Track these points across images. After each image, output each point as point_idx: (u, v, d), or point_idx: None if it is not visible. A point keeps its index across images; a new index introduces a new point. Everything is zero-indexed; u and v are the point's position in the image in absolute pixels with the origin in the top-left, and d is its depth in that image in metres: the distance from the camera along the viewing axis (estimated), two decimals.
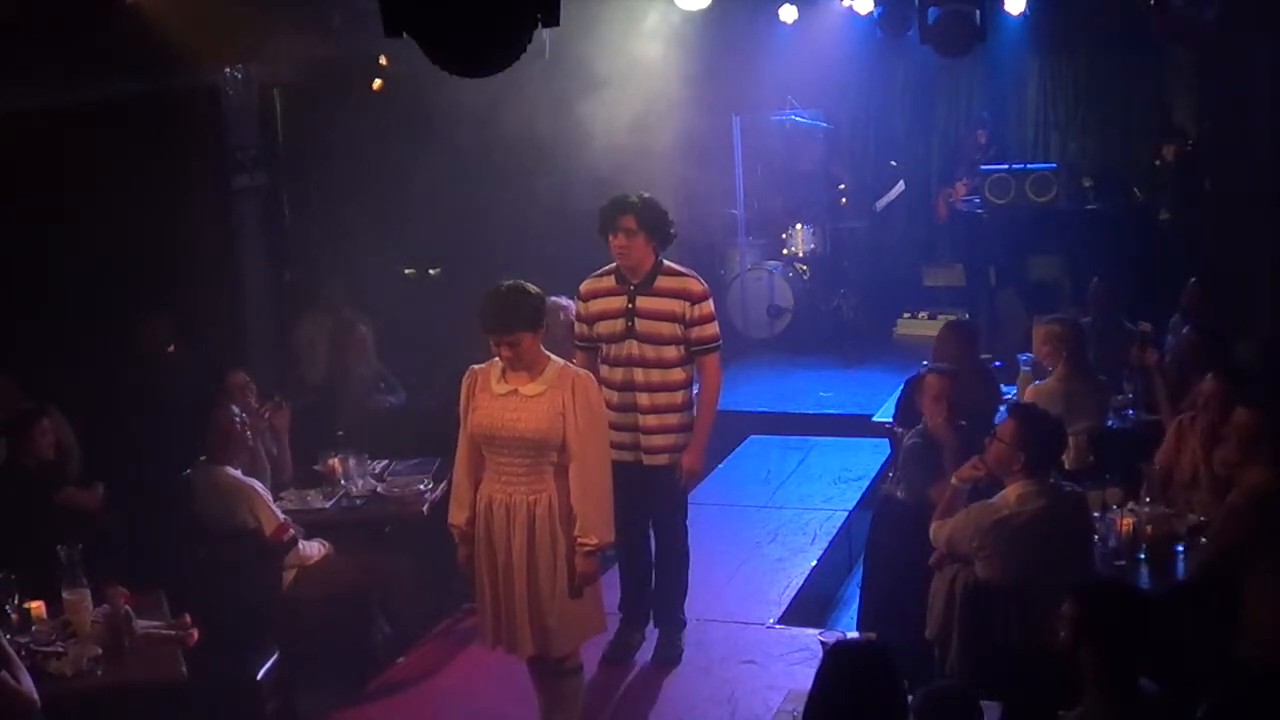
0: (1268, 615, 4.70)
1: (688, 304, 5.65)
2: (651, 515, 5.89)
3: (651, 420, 5.68)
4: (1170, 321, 7.87)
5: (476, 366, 4.90)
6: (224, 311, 8.18)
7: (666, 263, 5.73)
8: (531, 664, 4.99)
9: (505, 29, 3.32)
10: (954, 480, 5.24)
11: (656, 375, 5.67)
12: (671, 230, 5.70)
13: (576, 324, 5.82)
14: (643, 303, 5.67)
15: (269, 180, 8.57)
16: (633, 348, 5.68)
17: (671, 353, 5.68)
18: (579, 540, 4.73)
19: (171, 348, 7.62)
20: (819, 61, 11.40)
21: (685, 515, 6.01)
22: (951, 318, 6.91)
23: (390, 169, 8.74)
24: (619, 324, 5.69)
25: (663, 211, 5.67)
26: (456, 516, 4.91)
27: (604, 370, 5.62)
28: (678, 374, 5.70)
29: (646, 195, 5.68)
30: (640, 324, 5.66)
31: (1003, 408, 6.34)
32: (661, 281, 5.68)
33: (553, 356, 4.83)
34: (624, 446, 5.50)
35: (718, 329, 5.76)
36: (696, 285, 5.70)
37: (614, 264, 5.73)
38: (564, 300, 6.39)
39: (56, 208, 7.07)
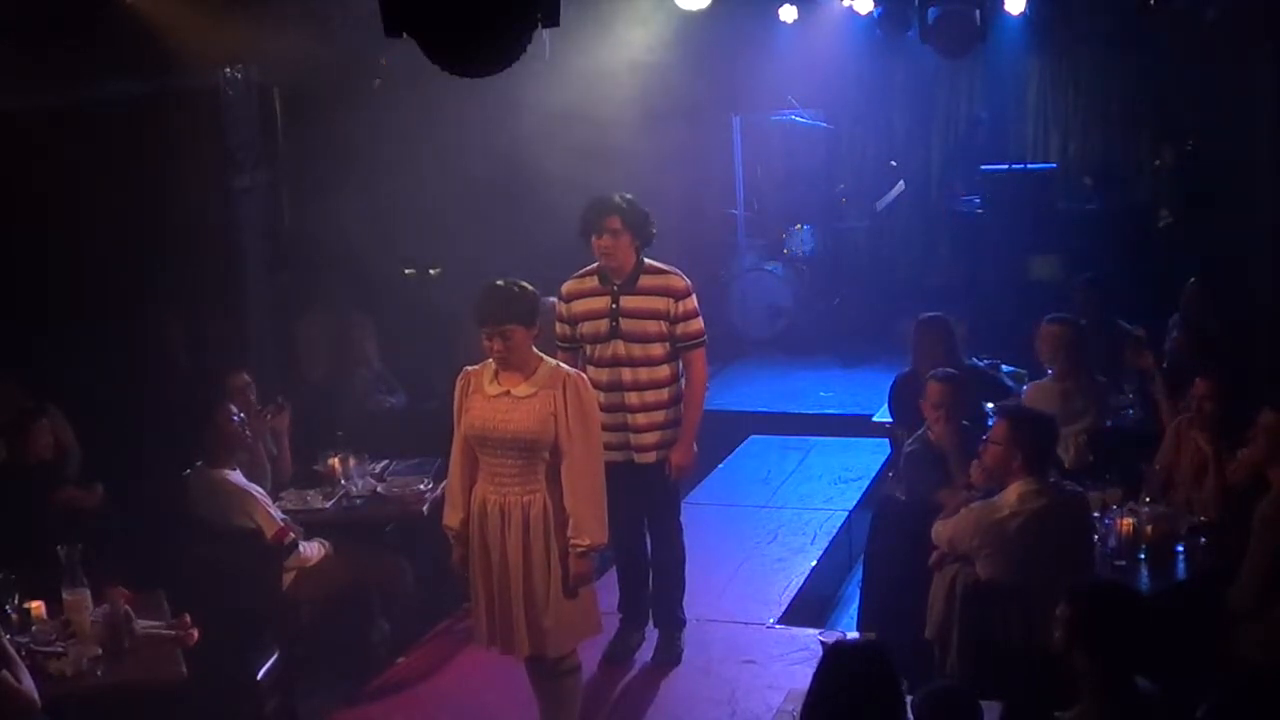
0: (1268, 615, 4.71)
1: (672, 300, 5.66)
2: (645, 514, 5.90)
3: (641, 419, 5.69)
4: (1171, 321, 7.89)
5: (470, 368, 4.91)
6: (224, 311, 8.17)
7: (648, 261, 5.74)
8: (529, 664, 5.00)
9: (505, 30, 3.32)
10: (970, 484, 5.24)
11: (644, 374, 5.68)
12: (653, 230, 5.71)
13: (558, 325, 5.81)
14: (627, 302, 5.67)
15: (269, 180, 8.57)
16: (619, 348, 5.68)
17: (658, 350, 5.69)
18: (572, 541, 4.73)
19: (179, 349, 7.65)
20: (819, 61, 11.39)
21: (679, 513, 6.03)
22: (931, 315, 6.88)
23: (390, 169, 8.73)
24: (603, 324, 5.69)
25: (645, 212, 5.69)
26: (450, 518, 4.92)
27: (590, 371, 5.61)
28: (664, 371, 5.71)
29: (629, 196, 5.69)
30: (625, 323, 5.67)
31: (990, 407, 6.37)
32: (645, 280, 5.68)
33: (545, 357, 4.84)
34: (614, 446, 5.47)
35: (702, 324, 5.76)
36: (679, 281, 5.71)
37: (596, 264, 5.73)
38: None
39: (56, 207, 7.07)
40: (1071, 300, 7.87)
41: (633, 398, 5.68)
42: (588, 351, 5.77)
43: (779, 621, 6.34)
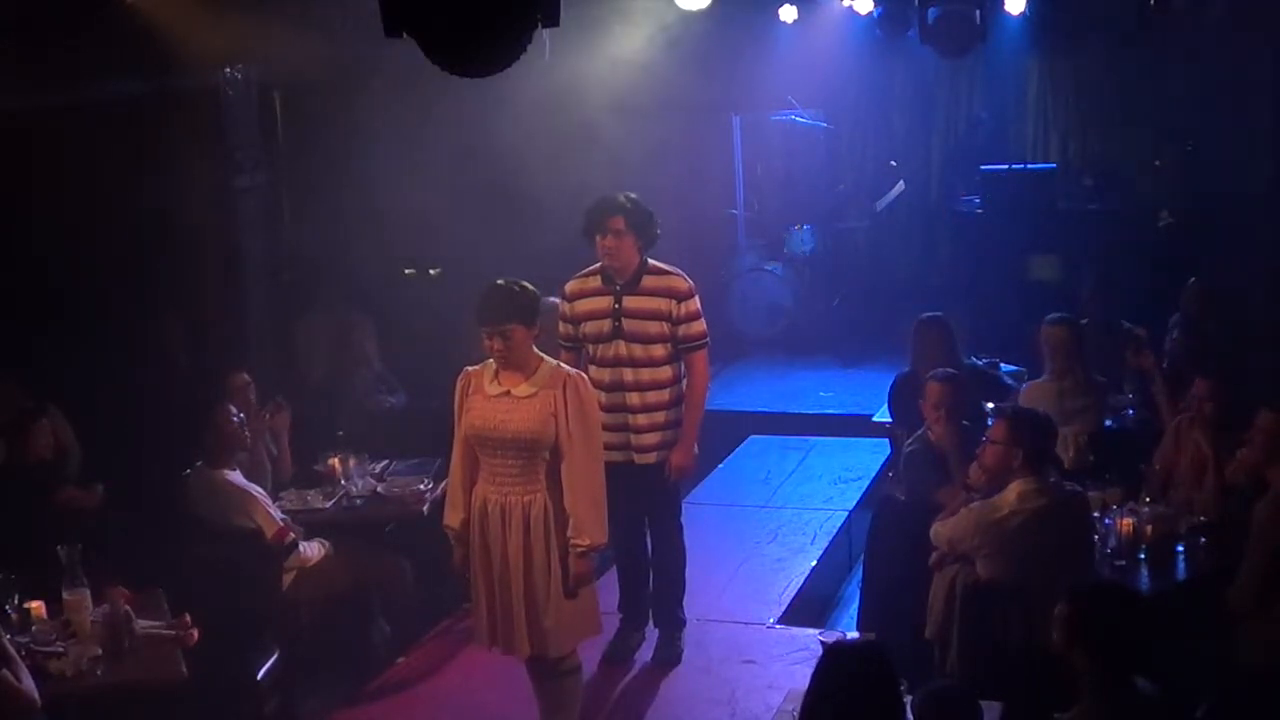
0: (1268, 615, 4.71)
1: (674, 302, 5.66)
2: (646, 514, 5.91)
3: (642, 419, 5.69)
4: (1171, 321, 7.88)
5: (470, 368, 4.91)
6: (224, 311, 8.16)
7: (652, 261, 5.74)
8: (530, 665, 5.00)
9: (505, 30, 3.31)
10: (967, 486, 5.24)
11: (646, 374, 5.68)
12: (656, 231, 5.71)
13: (561, 324, 5.82)
14: (630, 303, 5.67)
15: (269, 180, 8.56)
16: (620, 348, 5.69)
17: (660, 351, 5.69)
18: (572, 541, 4.74)
19: (179, 349, 7.64)
20: (819, 61, 11.39)
21: (679, 513, 6.03)
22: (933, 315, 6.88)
23: (390, 169, 8.73)
24: (606, 324, 5.70)
25: (649, 212, 5.70)
26: (451, 518, 4.93)
27: (592, 371, 5.63)
28: (666, 372, 5.72)
29: (633, 196, 5.70)
30: (628, 324, 5.67)
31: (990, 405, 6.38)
32: (648, 281, 5.69)
33: (545, 357, 4.85)
34: (615, 447, 5.48)
35: (704, 326, 5.77)
36: (682, 283, 5.71)
37: (599, 264, 5.73)
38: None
39: (56, 207, 7.06)
40: (1080, 296, 7.86)
41: (634, 398, 5.69)
42: (590, 351, 5.77)
43: (779, 621, 6.35)
